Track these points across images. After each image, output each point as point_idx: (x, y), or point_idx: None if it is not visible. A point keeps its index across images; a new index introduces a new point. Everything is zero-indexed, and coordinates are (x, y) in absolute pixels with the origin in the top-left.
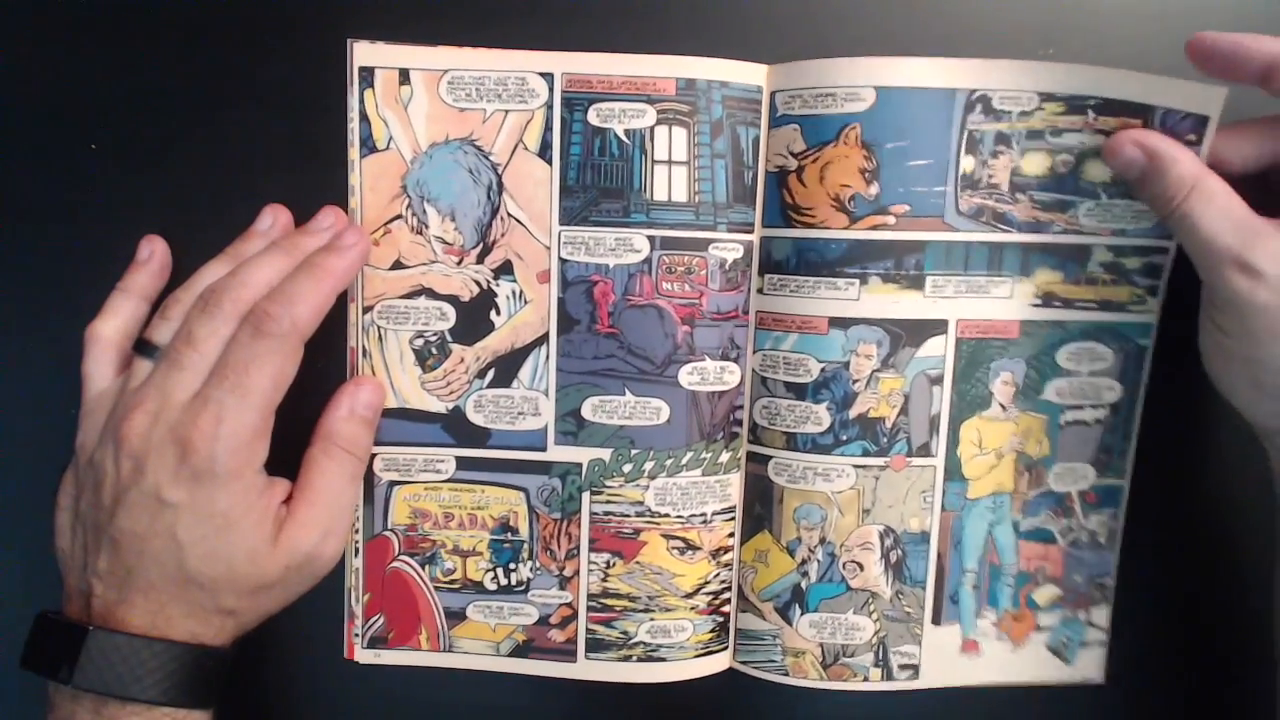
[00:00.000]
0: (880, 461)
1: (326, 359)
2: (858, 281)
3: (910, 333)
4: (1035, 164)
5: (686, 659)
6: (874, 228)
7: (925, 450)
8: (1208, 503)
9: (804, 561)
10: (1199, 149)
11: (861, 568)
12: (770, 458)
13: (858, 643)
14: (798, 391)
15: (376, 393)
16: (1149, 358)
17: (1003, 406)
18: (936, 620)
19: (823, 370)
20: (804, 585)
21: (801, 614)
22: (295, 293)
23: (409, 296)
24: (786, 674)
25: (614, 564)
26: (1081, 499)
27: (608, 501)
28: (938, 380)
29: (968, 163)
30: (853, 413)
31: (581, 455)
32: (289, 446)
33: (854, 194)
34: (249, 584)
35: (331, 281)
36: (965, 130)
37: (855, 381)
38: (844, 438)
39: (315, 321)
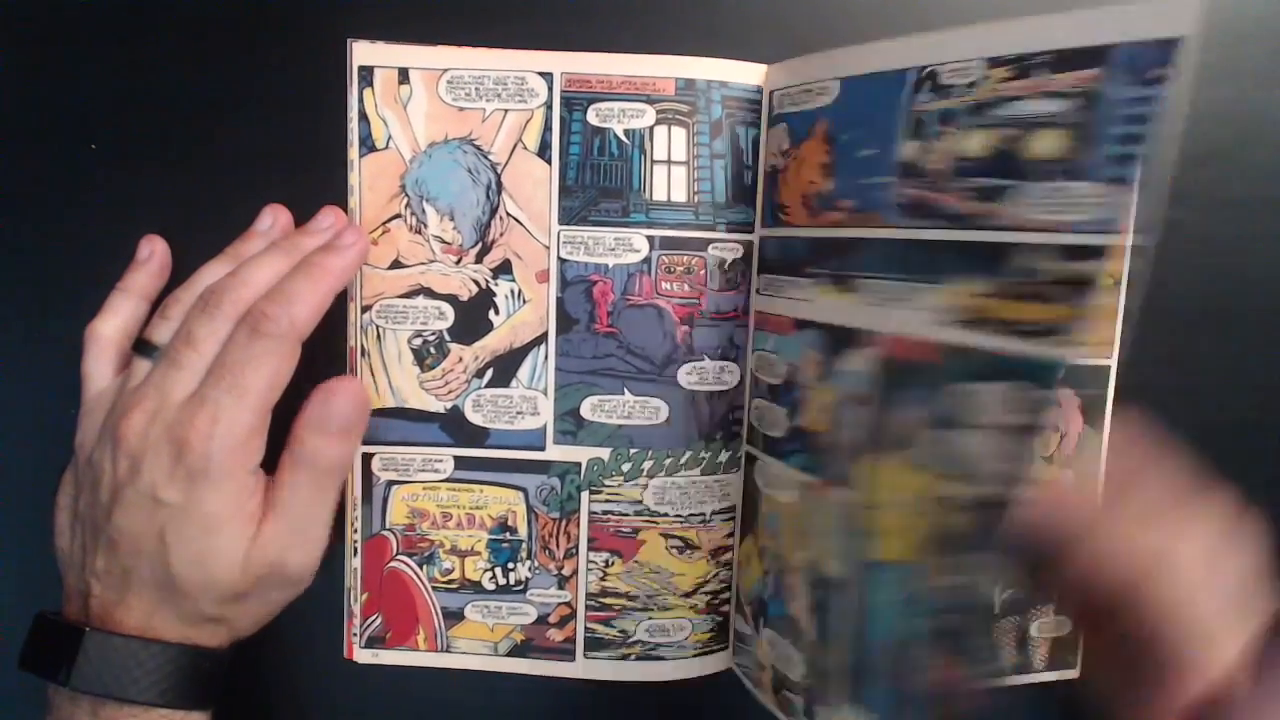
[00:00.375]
0: (815, 480)
1: (325, 359)
2: (813, 282)
3: (840, 342)
4: (977, 143)
5: (685, 658)
6: (829, 225)
7: (844, 481)
8: None
9: (767, 571)
10: (1166, 86)
11: (794, 594)
12: (756, 459)
13: (793, 678)
14: (772, 393)
15: (351, 400)
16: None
17: (917, 451)
18: (856, 699)
19: (787, 372)
20: (765, 596)
21: (764, 626)
22: (293, 293)
23: (407, 296)
24: (756, 684)
25: (613, 563)
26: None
27: (607, 501)
28: (861, 401)
29: (910, 149)
30: (800, 421)
31: (580, 455)
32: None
33: (817, 190)
34: (225, 592)
35: (330, 281)
36: (910, 113)
37: (806, 388)
38: (792, 447)
39: (313, 321)
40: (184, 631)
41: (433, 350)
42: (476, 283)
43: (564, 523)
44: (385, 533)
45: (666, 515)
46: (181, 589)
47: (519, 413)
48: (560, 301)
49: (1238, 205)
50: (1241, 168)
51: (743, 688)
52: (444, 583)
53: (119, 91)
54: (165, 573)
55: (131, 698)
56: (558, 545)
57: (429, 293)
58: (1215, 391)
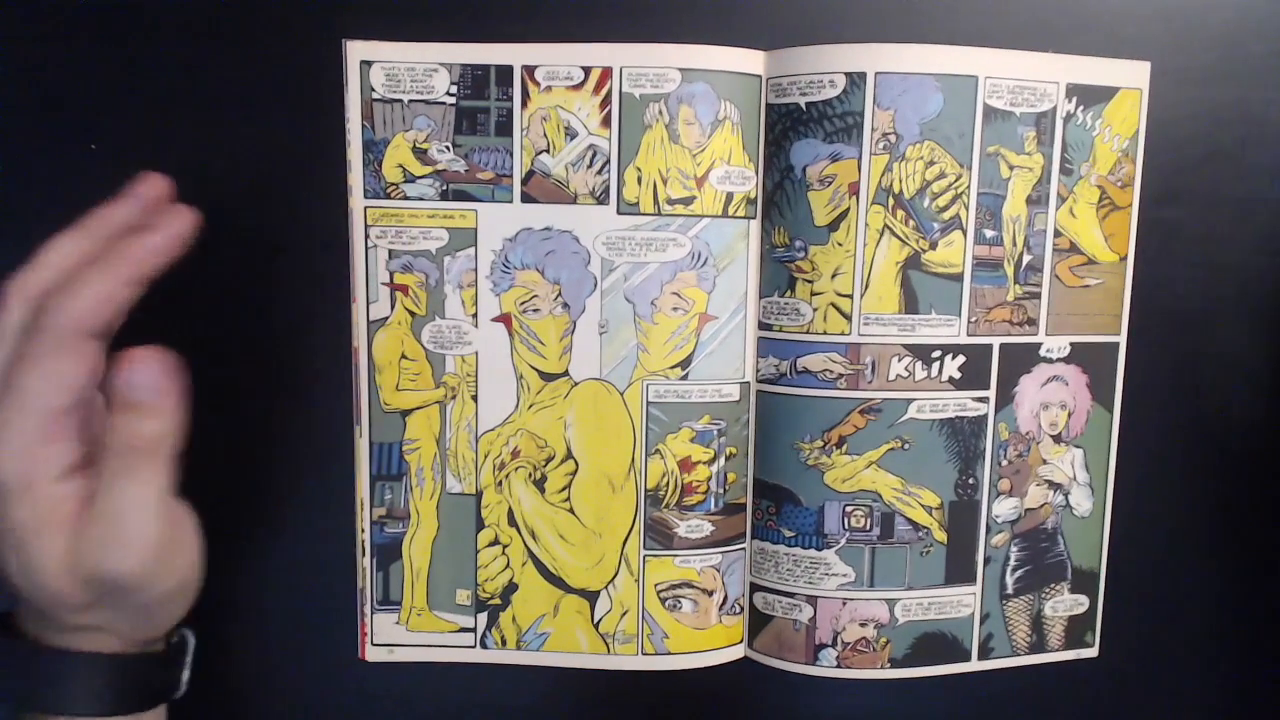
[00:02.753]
0: None
1: (327, 359)
2: None
3: None
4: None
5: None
6: None
7: None
8: None
9: None
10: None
11: None
12: None
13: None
14: None
15: (151, 367)
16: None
17: None
18: None
19: None
20: None
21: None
22: (77, 283)
23: None
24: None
25: None
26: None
27: None
28: None
29: None
30: None
31: None
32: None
33: None
34: (65, 602)
35: (125, 269)
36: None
37: None
38: None
39: (98, 315)
40: (68, 640)
41: None
42: None
43: None
44: None
45: None
46: (31, 601)
47: None
48: None
49: (1238, 205)
50: (1241, 168)
51: (758, 676)
52: None
53: (119, 91)
54: (13, 586)
55: (46, 708)
56: None
57: None
58: (1214, 391)
